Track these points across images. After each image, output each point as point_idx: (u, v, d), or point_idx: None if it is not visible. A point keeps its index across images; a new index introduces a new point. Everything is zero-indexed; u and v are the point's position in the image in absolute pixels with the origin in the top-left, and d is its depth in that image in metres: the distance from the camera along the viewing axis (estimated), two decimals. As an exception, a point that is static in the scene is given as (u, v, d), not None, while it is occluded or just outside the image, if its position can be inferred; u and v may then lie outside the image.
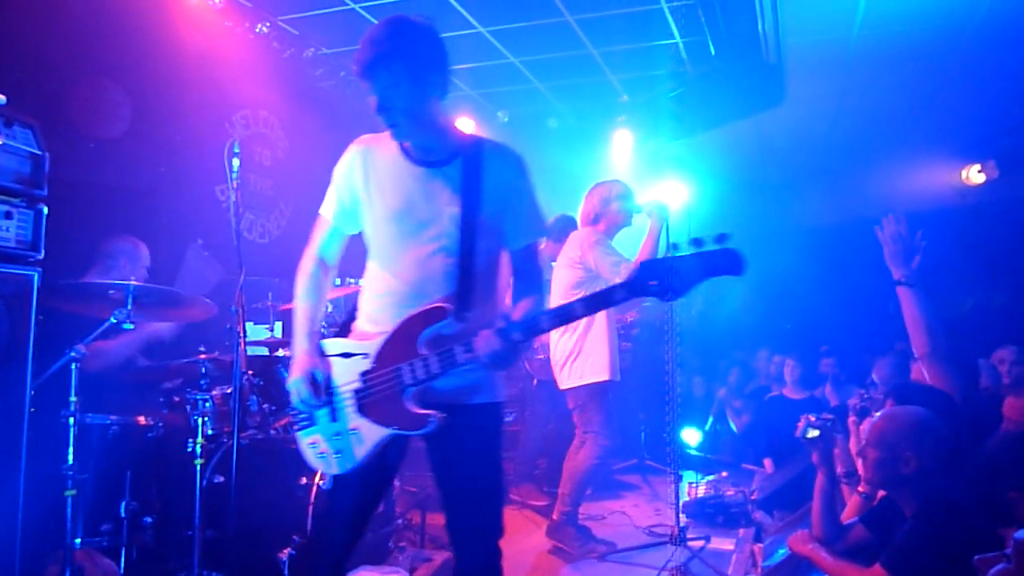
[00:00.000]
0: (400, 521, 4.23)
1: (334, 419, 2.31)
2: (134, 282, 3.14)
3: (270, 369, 3.92)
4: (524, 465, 5.69)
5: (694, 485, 5.49)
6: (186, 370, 3.72)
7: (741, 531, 4.73)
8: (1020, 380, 4.05)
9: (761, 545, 4.18)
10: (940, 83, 6.98)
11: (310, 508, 3.40)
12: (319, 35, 5.96)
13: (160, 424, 3.37)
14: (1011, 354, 4.12)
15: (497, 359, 2.10)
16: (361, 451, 2.27)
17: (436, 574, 3.80)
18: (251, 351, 4.15)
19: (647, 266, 2.07)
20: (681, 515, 4.53)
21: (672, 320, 4.83)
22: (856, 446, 3.35)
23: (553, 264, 4.78)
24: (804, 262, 8.27)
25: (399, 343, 2.22)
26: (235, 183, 3.02)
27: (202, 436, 3.30)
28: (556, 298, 4.29)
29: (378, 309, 2.34)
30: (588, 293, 2.59)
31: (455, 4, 5.41)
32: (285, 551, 3.24)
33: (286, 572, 3.19)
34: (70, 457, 2.92)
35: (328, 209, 2.44)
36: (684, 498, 4.98)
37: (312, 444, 2.35)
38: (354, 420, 2.27)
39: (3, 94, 2.60)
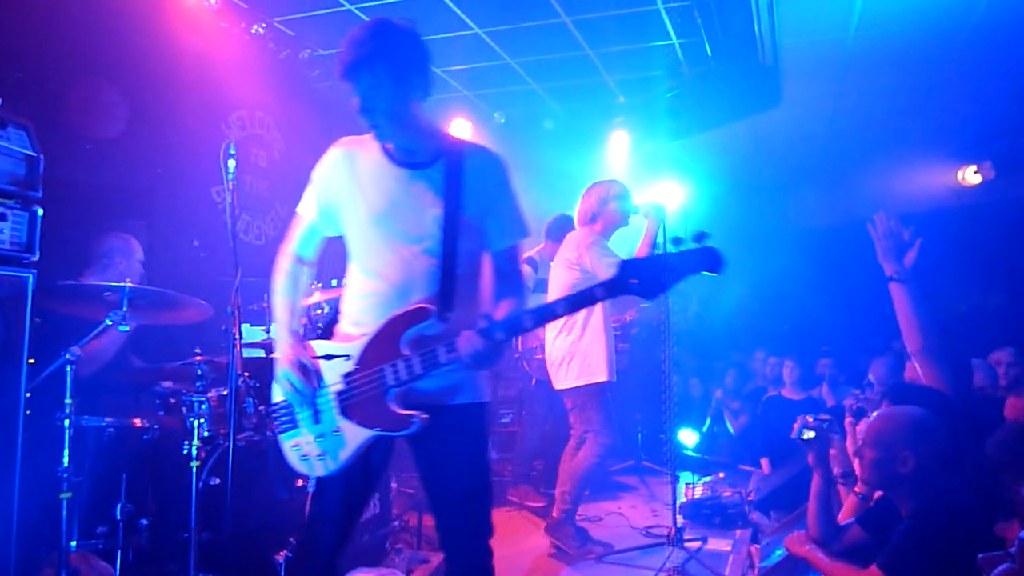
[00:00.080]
0: (396, 523, 4.23)
1: (317, 421, 2.31)
2: (129, 284, 3.14)
3: (266, 371, 3.91)
4: (521, 466, 5.69)
5: (691, 486, 5.50)
6: (182, 372, 3.71)
7: (738, 532, 4.73)
8: (1018, 381, 4.06)
9: (758, 546, 4.18)
10: (936, 84, 6.99)
11: (306, 510, 3.38)
12: (315, 36, 5.96)
13: (156, 426, 3.37)
14: (1008, 355, 4.13)
15: (480, 359, 2.12)
16: (344, 453, 2.27)
17: (432, 576, 3.80)
18: (247, 353, 4.12)
19: (628, 265, 2.09)
20: (678, 516, 4.53)
21: (669, 321, 4.83)
22: (853, 447, 3.35)
23: (551, 264, 4.79)
24: (800, 263, 8.27)
25: (382, 344, 2.23)
26: (231, 184, 3.00)
27: (198, 438, 3.29)
28: (553, 298, 4.29)
29: (360, 311, 2.34)
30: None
31: (451, 5, 5.41)
32: (281, 553, 3.22)
33: (282, 574, 3.18)
34: (65, 459, 2.90)
35: (305, 208, 2.45)
36: (681, 499, 4.97)
37: (295, 447, 2.34)
38: (337, 422, 2.28)
39: (-2, 95, 2.59)
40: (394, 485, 4.19)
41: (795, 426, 3.16)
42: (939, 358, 3.19)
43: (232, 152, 3.00)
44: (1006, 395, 4.07)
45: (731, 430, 7.16)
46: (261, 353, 4.34)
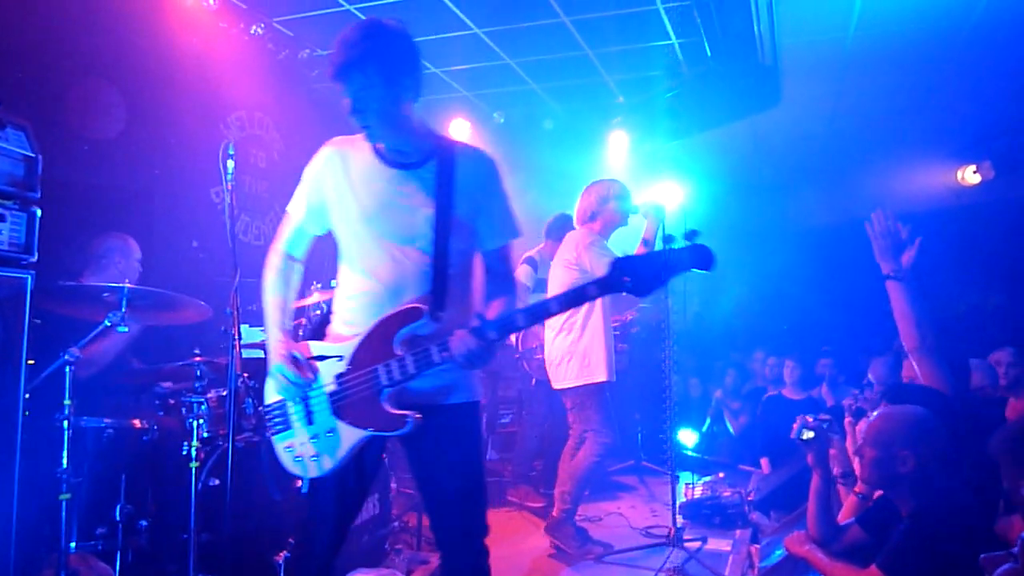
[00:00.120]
0: (396, 523, 4.22)
1: (310, 422, 2.31)
2: (128, 284, 3.13)
3: (265, 372, 3.90)
4: (521, 466, 5.69)
5: (691, 486, 5.49)
6: (181, 373, 3.71)
7: (738, 532, 4.73)
8: (1018, 381, 4.06)
9: (758, 546, 4.18)
10: (936, 84, 6.99)
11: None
12: (314, 36, 5.95)
13: (155, 427, 3.36)
14: (1008, 356, 4.13)
15: (473, 358, 2.13)
16: (338, 454, 2.27)
17: (432, 576, 3.80)
18: (246, 353, 4.11)
19: (620, 262, 2.11)
20: (678, 516, 4.54)
21: (668, 321, 4.83)
22: (853, 446, 3.35)
23: (551, 263, 4.78)
24: (800, 262, 8.27)
25: (374, 344, 2.23)
26: (230, 185, 3.00)
27: (197, 439, 3.29)
28: (551, 298, 4.29)
29: (352, 311, 2.35)
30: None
31: (450, 5, 5.41)
32: (281, 554, 3.22)
33: (282, 575, 3.18)
34: (64, 461, 2.90)
35: (295, 207, 2.46)
36: (681, 499, 4.98)
37: (288, 448, 2.34)
38: (330, 423, 2.28)
39: (-3, 96, 2.59)
40: (394, 486, 4.18)
41: (794, 426, 3.16)
42: (937, 356, 3.19)
43: (231, 152, 2.99)
44: (1006, 395, 4.06)
45: (731, 430, 7.16)
46: (260, 354, 4.32)
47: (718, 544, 4.50)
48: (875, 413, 2.92)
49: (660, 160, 7.01)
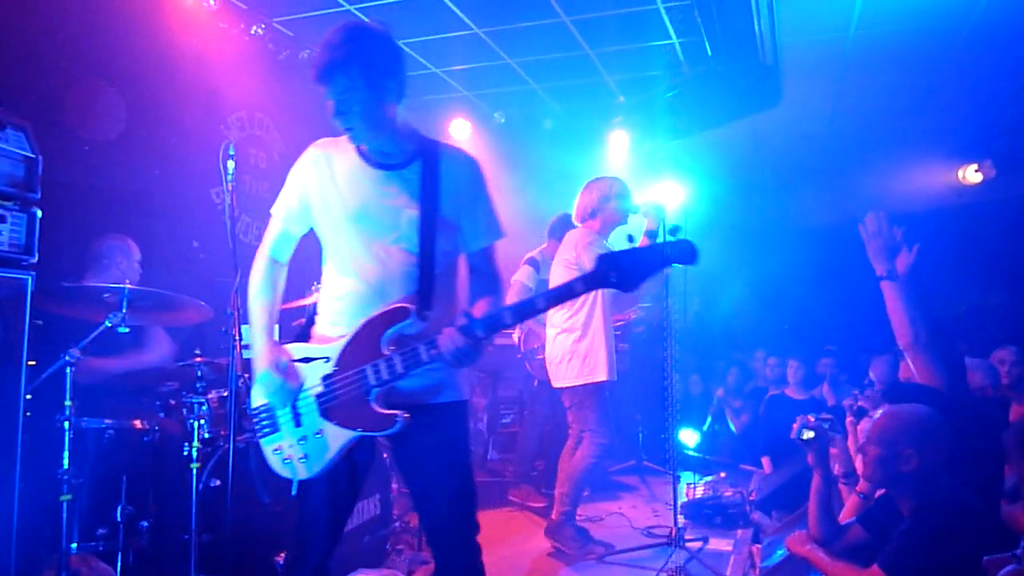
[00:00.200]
0: (397, 524, 4.22)
1: (298, 424, 2.30)
2: (129, 285, 3.13)
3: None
4: (523, 466, 5.69)
5: (692, 486, 5.49)
6: (182, 373, 3.71)
7: (739, 532, 4.73)
8: (1020, 380, 4.06)
9: (759, 546, 4.18)
10: (936, 83, 6.99)
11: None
12: (314, 37, 5.93)
13: (156, 428, 3.36)
14: (1011, 355, 4.13)
15: (461, 356, 2.13)
16: (327, 455, 2.27)
17: (434, 577, 3.79)
18: (247, 354, 4.11)
19: (605, 258, 2.12)
20: (679, 516, 4.53)
21: (669, 321, 4.83)
22: (854, 446, 3.35)
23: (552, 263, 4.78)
24: (800, 262, 8.27)
25: (362, 345, 2.23)
26: (230, 185, 3.00)
27: (198, 440, 3.28)
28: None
29: (338, 311, 2.34)
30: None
31: (450, 5, 5.40)
32: (281, 555, 3.22)
33: (283, 576, 3.18)
34: (65, 461, 2.90)
35: (279, 209, 2.48)
36: (682, 499, 4.97)
37: (276, 451, 2.33)
38: (318, 424, 2.27)
39: (-3, 97, 2.59)
40: (395, 486, 4.18)
41: (794, 426, 3.16)
42: (931, 352, 3.20)
43: (231, 153, 2.99)
44: (1008, 394, 4.06)
45: (733, 429, 7.16)
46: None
47: (719, 544, 4.50)
48: (878, 412, 2.92)
49: (660, 160, 7.01)
